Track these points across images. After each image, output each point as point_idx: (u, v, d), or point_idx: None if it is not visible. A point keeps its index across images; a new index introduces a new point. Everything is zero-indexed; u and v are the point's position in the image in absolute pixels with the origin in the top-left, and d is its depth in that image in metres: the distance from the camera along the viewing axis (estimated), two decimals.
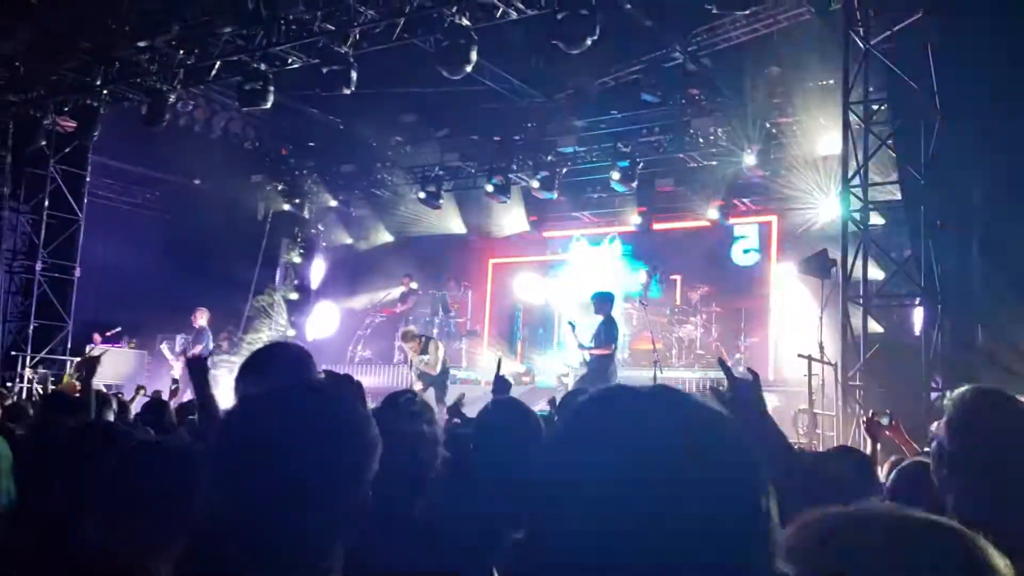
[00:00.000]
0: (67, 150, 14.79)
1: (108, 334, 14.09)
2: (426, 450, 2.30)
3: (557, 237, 17.16)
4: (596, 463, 0.89)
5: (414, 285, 16.68)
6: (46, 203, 14.76)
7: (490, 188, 15.91)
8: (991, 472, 1.88)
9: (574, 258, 16.10)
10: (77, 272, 15.00)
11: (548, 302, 16.09)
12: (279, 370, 2.32)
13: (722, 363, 2.10)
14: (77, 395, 4.52)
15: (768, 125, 13.27)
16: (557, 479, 0.91)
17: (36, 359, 14.23)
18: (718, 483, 0.87)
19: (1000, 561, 0.97)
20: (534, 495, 0.93)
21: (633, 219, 15.85)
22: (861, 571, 0.96)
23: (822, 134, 12.50)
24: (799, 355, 9.54)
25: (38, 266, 14.58)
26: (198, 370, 3.08)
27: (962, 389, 2.07)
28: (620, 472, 0.87)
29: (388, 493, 1.44)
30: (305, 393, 1.49)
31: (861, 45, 9.06)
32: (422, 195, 16.66)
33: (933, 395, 8.54)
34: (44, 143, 14.18)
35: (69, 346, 14.64)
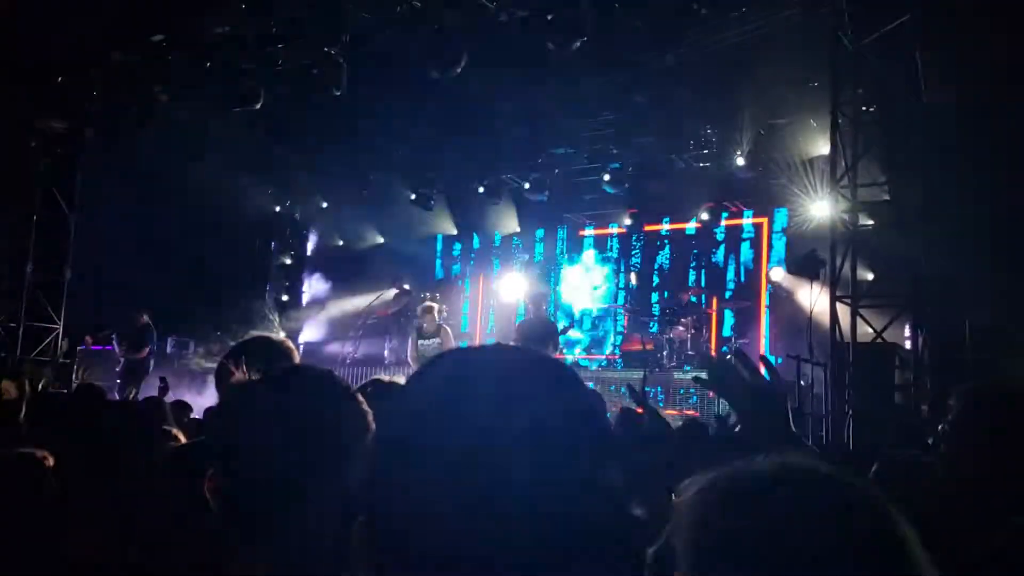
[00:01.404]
0: (58, 151, 14.74)
1: (99, 335, 14.04)
2: None
3: (549, 239, 17.18)
4: (425, 418, 0.84)
5: (406, 286, 16.68)
6: (36, 205, 14.70)
7: (481, 189, 15.92)
8: (988, 461, 1.90)
9: (565, 278, 16.01)
10: (68, 274, 14.93)
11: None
12: (258, 362, 2.32)
13: (740, 352, 1.84)
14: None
15: (758, 126, 13.31)
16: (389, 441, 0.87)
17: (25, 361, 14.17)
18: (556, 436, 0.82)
19: (910, 532, 0.96)
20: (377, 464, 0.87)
21: (624, 220, 15.89)
22: (762, 534, 0.94)
23: (812, 135, 12.55)
24: (789, 356, 9.57)
25: (28, 268, 14.52)
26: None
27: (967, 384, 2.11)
28: (452, 423, 0.82)
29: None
30: (296, 378, 1.50)
31: (848, 47, 9.10)
32: (413, 196, 16.66)
33: (921, 395, 8.58)
34: (34, 144, 14.13)
35: (60, 348, 14.58)
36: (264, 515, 1.35)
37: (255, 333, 3.13)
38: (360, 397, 1.45)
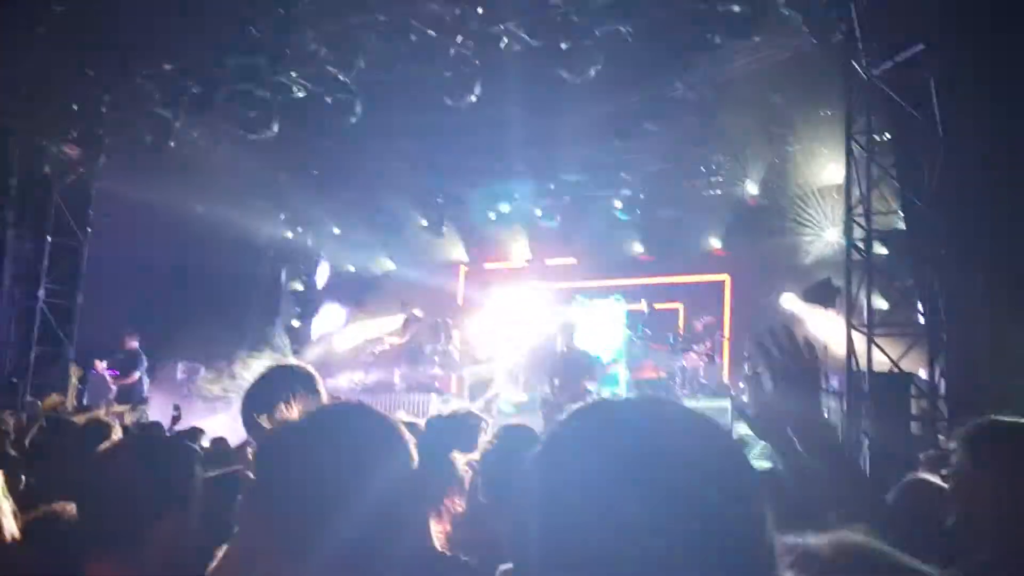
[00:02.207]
0: (71, 177, 14.83)
1: (113, 359, 14.03)
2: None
3: (559, 266, 17.14)
4: (578, 473, 0.85)
5: (417, 312, 16.66)
6: (49, 229, 14.77)
7: (493, 216, 15.95)
8: (1010, 494, 1.86)
9: (575, 316, 15.81)
10: (80, 299, 14.97)
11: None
12: (287, 391, 2.30)
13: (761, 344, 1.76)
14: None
15: (770, 155, 13.33)
16: (541, 494, 0.87)
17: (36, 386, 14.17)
18: (709, 489, 0.82)
19: None
20: (521, 515, 0.89)
21: (635, 248, 15.89)
22: None
23: (823, 164, 12.56)
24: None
25: (40, 292, 14.56)
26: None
27: (970, 423, 2.07)
28: (604, 480, 0.82)
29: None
30: (350, 411, 1.50)
31: (863, 75, 9.10)
32: (424, 223, 16.69)
33: (939, 424, 8.49)
34: (48, 170, 14.23)
35: (71, 373, 14.58)
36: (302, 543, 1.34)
37: (274, 361, 3.11)
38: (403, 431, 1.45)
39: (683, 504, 0.80)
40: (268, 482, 1.39)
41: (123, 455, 2.16)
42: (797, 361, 1.62)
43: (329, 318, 18.70)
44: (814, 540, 0.99)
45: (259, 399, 2.32)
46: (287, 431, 1.41)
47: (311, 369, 2.75)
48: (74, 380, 13.10)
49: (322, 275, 19.30)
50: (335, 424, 1.44)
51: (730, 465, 0.86)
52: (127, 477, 2.02)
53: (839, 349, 9.39)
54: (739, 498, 0.84)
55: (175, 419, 8.73)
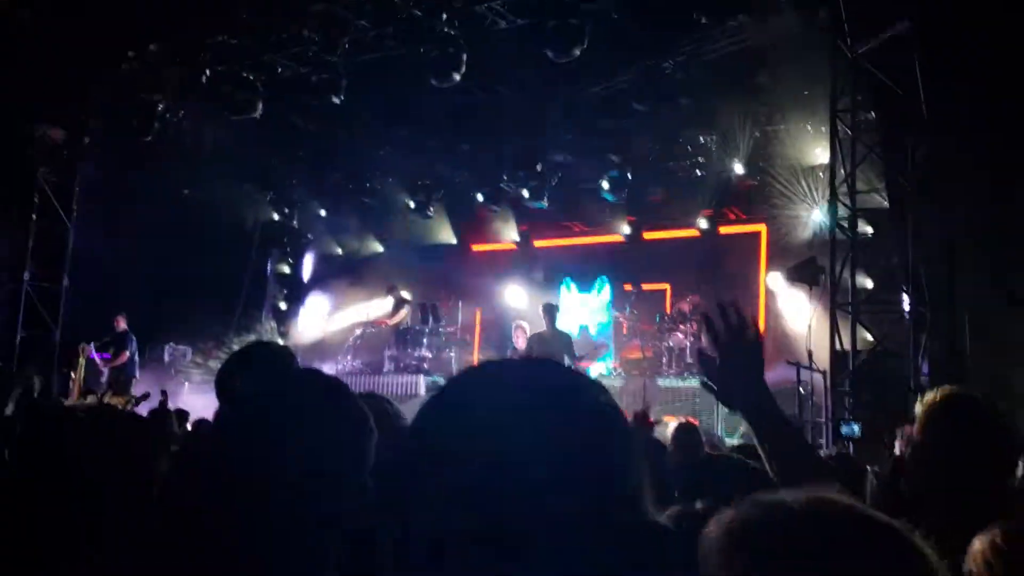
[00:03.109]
0: (56, 160, 14.74)
1: (102, 341, 14.00)
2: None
3: (548, 247, 17.15)
4: (448, 427, 0.91)
5: (405, 295, 16.67)
6: (34, 213, 14.69)
7: (480, 197, 15.93)
8: (956, 464, 1.90)
9: (562, 302, 15.80)
10: (65, 282, 14.91)
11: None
12: (262, 368, 2.31)
13: (708, 320, 1.78)
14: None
15: (757, 135, 13.33)
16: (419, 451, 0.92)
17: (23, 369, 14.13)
18: (572, 443, 0.87)
19: (928, 550, 0.94)
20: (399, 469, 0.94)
21: (623, 228, 15.90)
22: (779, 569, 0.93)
23: (810, 143, 12.57)
24: (788, 362, 9.56)
25: (26, 276, 14.50)
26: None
27: (936, 392, 2.11)
28: (477, 422, 0.88)
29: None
30: (309, 381, 1.51)
31: (848, 54, 9.11)
32: (412, 204, 16.67)
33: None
34: (33, 152, 14.13)
35: (57, 356, 14.55)
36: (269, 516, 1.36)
37: (253, 339, 3.11)
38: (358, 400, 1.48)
39: (542, 437, 0.86)
40: (224, 455, 1.41)
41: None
42: (739, 337, 1.64)
43: (315, 308, 18.67)
44: (790, 496, 0.99)
45: (236, 372, 2.34)
46: (243, 403, 1.43)
47: (288, 348, 2.76)
48: (81, 360, 13.05)
49: (308, 266, 19.24)
50: (291, 394, 1.46)
51: (585, 405, 0.92)
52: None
53: (818, 330, 9.46)
54: (596, 432, 0.90)
55: (162, 403, 8.74)
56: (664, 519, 0.96)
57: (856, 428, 4.67)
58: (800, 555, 0.92)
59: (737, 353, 1.65)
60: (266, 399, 1.47)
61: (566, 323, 13.99)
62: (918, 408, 2.10)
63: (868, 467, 4.08)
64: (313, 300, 18.95)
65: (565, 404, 0.91)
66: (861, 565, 0.91)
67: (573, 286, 16.24)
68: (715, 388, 1.75)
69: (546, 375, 0.96)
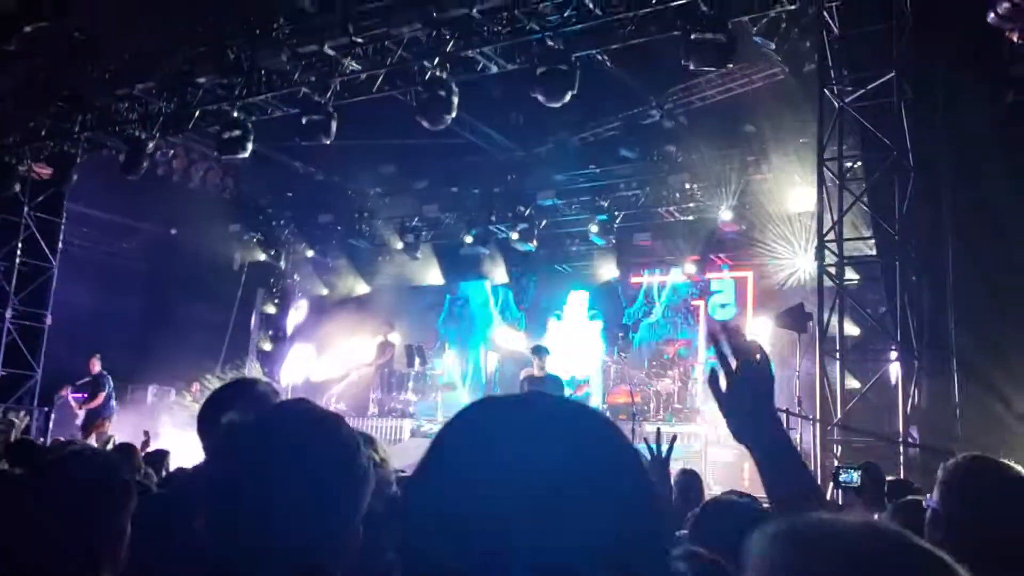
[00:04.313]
0: (42, 197, 14.67)
1: (78, 383, 13.82)
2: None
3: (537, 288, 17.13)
4: (462, 478, 0.83)
5: (391, 338, 16.59)
6: (19, 249, 14.58)
7: (469, 239, 15.95)
8: (983, 534, 1.84)
9: (550, 338, 15.71)
10: (48, 320, 14.77)
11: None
12: (245, 406, 2.25)
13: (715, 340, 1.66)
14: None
15: (743, 182, 13.44)
16: (425, 502, 0.84)
17: (2, 408, 13.92)
18: (599, 490, 0.82)
19: None
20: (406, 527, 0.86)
21: (611, 272, 15.92)
22: None
23: (796, 190, 12.67)
24: (777, 410, 9.51)
25: (8, 313, 14.35)
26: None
27: (958, 457, 2.07)
28: (489, 486, 0.80)
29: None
30: (302, 416, 1.46)
31: (835, 103, 9.20)
32: (400, 246, 16.68)
33: (911, 451, 8.52)
34: (19, 189, 14.07)
35: (37, 395, 14.35)
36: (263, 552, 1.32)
37: (236, 376, 3.04)
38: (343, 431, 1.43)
39: (572, 515, 0.80)
40: (219, 484, 1.36)
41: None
42: (748, 359, 1.59)
43: (301, 350, 18.52)
44: (841, 521, 0.96)
45: (216, 411, 2.27)
46: (231, 434, 1.39)
47: (272, 384, 2.70)
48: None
49: (294, 307, 19.10)
50: (276, 423, 1.42)
51: (598, 443, 0.87)
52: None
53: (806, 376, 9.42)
54: (614, 472, 0.85)
55: (145, 444, 8.62)
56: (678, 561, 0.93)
57: (855, 475, 4.62)
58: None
59: (749, 374, 1.59)
60: (254, 433, 1.42)
61: (556, 364, 13.99)
62: (943, 471, 2.04)
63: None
64: (299, 341, 18.82)
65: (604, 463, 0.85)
66: None
67: (555, 322, 16.21)
68: (725, 411, 1.69)
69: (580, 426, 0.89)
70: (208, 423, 2.29)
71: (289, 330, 18.94)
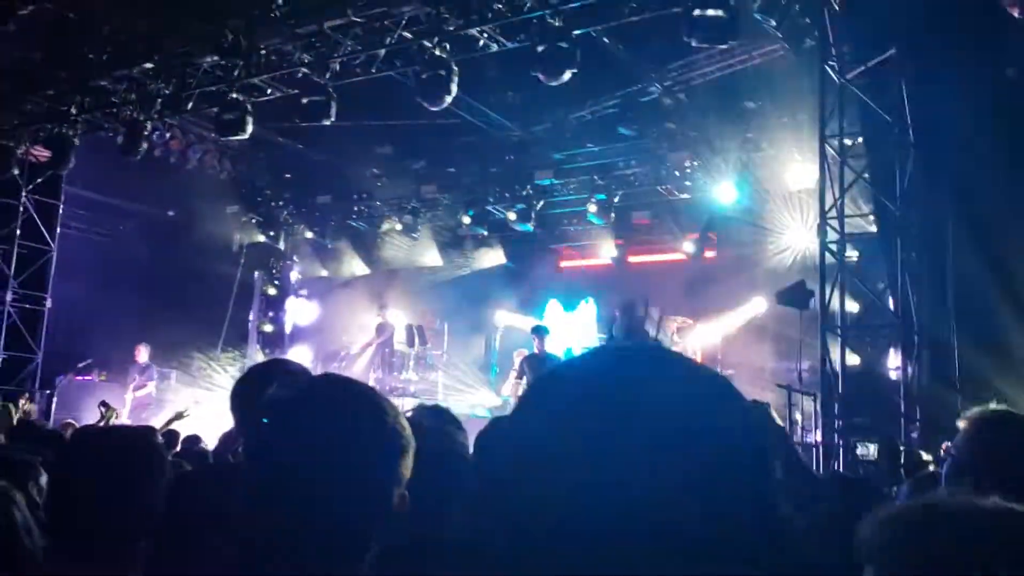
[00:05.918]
0: (40, 180, 14.62)
1: (79, 366, 13.83)
2: (455, 464, 2.24)
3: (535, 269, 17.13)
4: (567, 429, 0.77)
5: (390, 317, 16.62)
6: (18, 233, 14.55)
7: (467, 220, 15.95)
8: (1007, 481, 1.89)
9: (548, 320, 15.72)
10: (48, 303, 14.76)
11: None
12: (283, 382, 2.28)
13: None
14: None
15: (743, 159, 13.43)
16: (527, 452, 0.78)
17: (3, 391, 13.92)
18: (714, 445, 0.76)
19: None
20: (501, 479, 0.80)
21: (609, 251, 15.92)
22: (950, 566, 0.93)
23: (796, 168, 12.68)
24: (778, 385, 9.58)
25: (8, 296, 14.33)
26: None
27: (975, 408, 2.11)
28: (597, 437, 0.75)
29: (418, 507, 1.42)
30: (344, 388, 1.48)
31: (836, 80, 9.20)
32: (399, 227, 16.66)
33: (911, 425, 8.60)
34: (17, 172, 14.02)
35: (39, 378, 14.37)
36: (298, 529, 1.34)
37: (265, 357, 3.07)
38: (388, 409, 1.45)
39: (670, 452, 0.74)
40: (263, 463, 1.38)
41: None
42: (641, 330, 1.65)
43: (300, 322, 18.55)
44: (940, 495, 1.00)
45: (254, 387, 2.30)
46: (275, 406, 1.41)
47: (303, 366, 2.73)
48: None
49: (293, 288, 19.08)
50: (319, 394, 1.44)
51: (714, 400, 0.80)
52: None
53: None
54: (735, 434, 0.79)
55: (103, 416, 8.35)
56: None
57: (872, 448, 4.64)
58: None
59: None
60: (298, 404, 1.44)
61: (556, 343, 14.00)
62: (962, 422, 2.09)
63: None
64: (298, 322, 18.84)
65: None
66: None
67: (559, 305, 16.22)
68: None
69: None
70: (243, 399, 2.32)
71: (288, 311, 18.95)
